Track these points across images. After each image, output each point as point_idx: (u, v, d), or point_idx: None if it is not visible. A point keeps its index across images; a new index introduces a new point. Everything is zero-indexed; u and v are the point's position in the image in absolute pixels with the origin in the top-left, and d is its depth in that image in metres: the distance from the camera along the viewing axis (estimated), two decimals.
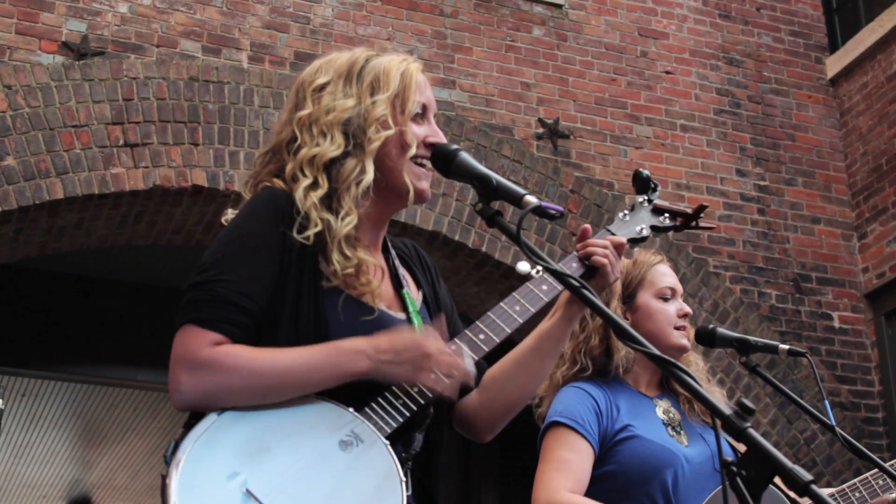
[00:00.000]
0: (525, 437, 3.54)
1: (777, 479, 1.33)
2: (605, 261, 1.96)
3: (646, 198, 2.17)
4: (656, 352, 1.49)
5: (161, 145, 5.42)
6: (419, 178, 1.90)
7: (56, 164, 5.20)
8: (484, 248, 5.93)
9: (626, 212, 2.15)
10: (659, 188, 2.20)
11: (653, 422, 2.54)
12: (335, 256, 1.80)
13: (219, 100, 5.61)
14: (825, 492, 2.68)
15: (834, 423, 2.49)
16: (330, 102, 1.89)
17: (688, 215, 2.17)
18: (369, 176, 1.84)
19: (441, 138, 1.92)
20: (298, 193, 1.82)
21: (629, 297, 2.67)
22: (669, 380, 2.65)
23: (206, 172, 5.47)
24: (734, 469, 1.30)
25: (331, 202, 1.83)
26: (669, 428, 2.56)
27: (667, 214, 2.17)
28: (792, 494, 2.56)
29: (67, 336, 7.22)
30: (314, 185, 1.83)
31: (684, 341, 2.63)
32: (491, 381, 1.99)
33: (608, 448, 2.48)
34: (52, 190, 5.18)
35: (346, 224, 1.81)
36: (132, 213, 5.59)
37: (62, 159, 5.22)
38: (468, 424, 2.01)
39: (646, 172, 2.19)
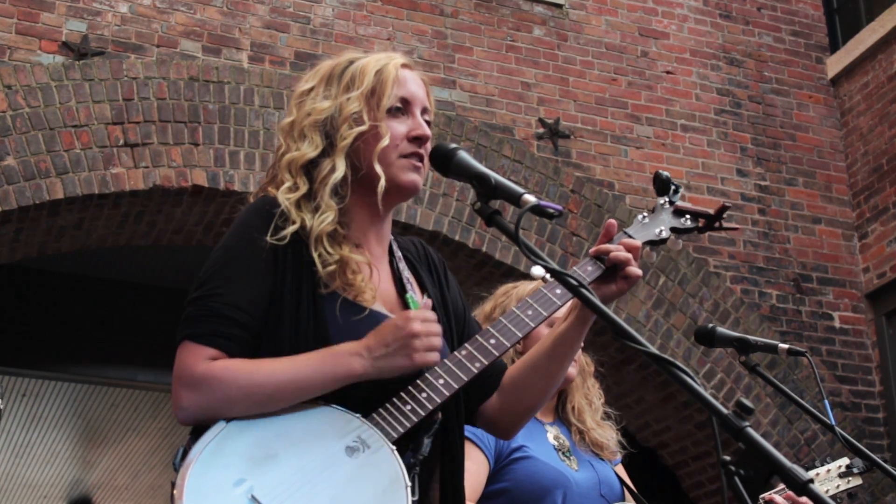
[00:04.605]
0: None
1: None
2: (623, 256, 1.93)
3: (667, 199, 2.13)
4: (655, 351, 1.49)
5: (161, 145, 5.42)
6: (404, 170, 1.88)
7: (56, 164, 5.20)
8: (484, 249, 5.92)
9: (646, 214, 2.11)
10: (681, 190, 2.16)
11: (544, 445, 2.64)
12: (315, 254, 1.80)
13: (219, 100, 5.61)
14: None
15: (834, 424, 2.49)
16: (310, 106, 1.91)
17: (710, 216, 2.13)
18: (338, 173, 1.85)
19: (425, 130, 1.90)
20: (279, 197, 1.84)
21: None
22: (563, 408, 2.77)
23: (207, 172, 5.47)
24: (732, 468, 1.29)
25: (312, 203, 1.85)
26: (560, 453, 2.65)
27: (688, 216, 2.13)
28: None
29: (68, 336, 7.21)
30: (293, 187, 1.85)
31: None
32: (510, 384, 2.00)
33: (502, 466, 2.57)
34: (53, 190, 5.18)
35: (321, 221, 1.82)
36: (132, 213, 5.59)
37: (62, 159, 5.22)
38: (491, 425, 2.04)
39: (666, 174, 2.15)
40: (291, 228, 1.80)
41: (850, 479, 3.03)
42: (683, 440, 6.52)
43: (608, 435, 2.77)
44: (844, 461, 3.06)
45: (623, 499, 2.72)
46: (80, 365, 7.52)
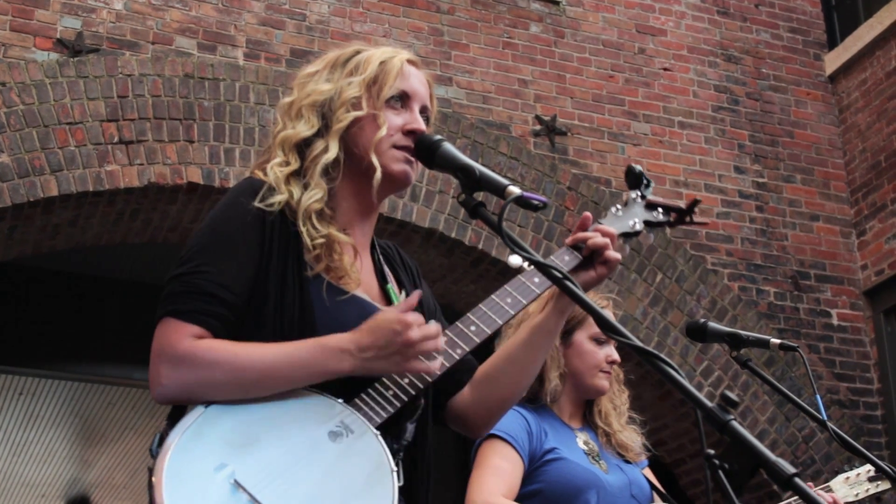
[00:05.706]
0: None
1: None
2: (601, 241, 1.93)
3: (639, 193, 2.14)
4: (639, 343, 1.47)
5: (156, 142, 5.40)
6: (397, 160, 1.87)
7: (50, 161, 5.18)
8: (480, 246, 5.91)
9: (619, 207, 2.11)
10: (652, 184, 2.17)
11: (575, 449, 2.70)
12: (304, 229, 1.79)
13: (214, 97, 5.59)
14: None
15: (826, 419, 2.48)
16: (311, 87, 1.91)
17: (681, 210, 2.15)
18: (331, 154, 1.84)
19: (420, 125, 1.89)
20: (269, 168, 1.84)
21: (567, 333, 2.80)
22: (591, 414, 2.85)
23: (202, 170, 5.45)
24: (716, 462, 1.27)
25: (301, 180, 1.84)
26: (590, 457, 2.72)
27: (660, 210, 2.15)
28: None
29: (64, 334, 7.20)
30: (284, 163, 1.85)
31: (604, 383, 2.80)
32: (484, 376, 1.98)
33: (536, 468, 2.62)
34: (47, 187, 5.16)
35: (310, 196, 1.81)
36: (127, 210, 5.57)
37: (57, 156, 5.20)
38: (462, 421, 2.00)
39: (638, 168, 2.16)
40: (280, 198, 1.79)
41: (880, 483, 3.00)
42: (681, 438, 6.50)
43: (633, 437, 2.85)
44: None
45: (652, 500, 2.74)
46: (77, 363, 7.50)
